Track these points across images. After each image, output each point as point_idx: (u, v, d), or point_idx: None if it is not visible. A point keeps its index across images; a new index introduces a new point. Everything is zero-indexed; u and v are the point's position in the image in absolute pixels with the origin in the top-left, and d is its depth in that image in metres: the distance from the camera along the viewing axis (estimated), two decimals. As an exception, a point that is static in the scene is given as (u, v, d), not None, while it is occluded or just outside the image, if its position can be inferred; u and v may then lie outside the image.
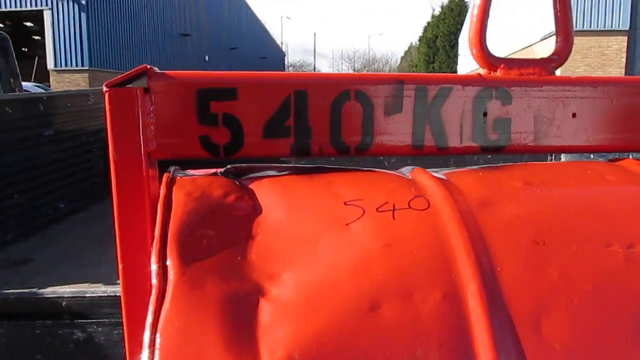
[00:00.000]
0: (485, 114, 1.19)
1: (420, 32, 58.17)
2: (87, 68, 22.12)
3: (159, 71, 1.06)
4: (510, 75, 1.21)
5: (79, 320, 2.04)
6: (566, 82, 1.22)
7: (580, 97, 1.22)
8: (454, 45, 47.03)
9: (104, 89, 1.01)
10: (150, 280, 0.84)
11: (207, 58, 34.00)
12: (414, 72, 50.13)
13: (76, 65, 22.22)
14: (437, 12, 52.22)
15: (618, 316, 0.87)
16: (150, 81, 1.04)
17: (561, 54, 1.25)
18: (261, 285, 0.86)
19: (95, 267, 2.33)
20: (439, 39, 50.37)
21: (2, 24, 24.18)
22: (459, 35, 43.59)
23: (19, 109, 2.97)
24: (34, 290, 2.12)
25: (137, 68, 1.03)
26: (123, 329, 1.04)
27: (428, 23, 54.51)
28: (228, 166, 1.12)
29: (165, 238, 0.88)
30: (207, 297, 0.82)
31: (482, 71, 1.24)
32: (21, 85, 5.21)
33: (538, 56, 1.27)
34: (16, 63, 5.07)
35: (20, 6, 22.20)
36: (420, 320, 0.83)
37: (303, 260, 0.89)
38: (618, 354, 0.85)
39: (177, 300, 0.81)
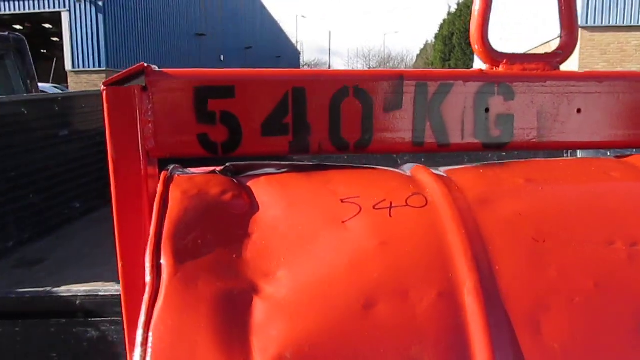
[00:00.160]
0: (487, 110, 1.17)
1: (436, 30, 57.90)
2: (104, 69, 22.37)
3: (157, 69, 1.06)
4: (513, 71, 1.19)
5: (93, 319, 2.06)
6: (571, 77, 1.20)
7: (585, 92, 1.20)
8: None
9: (102, 87, 1.01)
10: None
11: (222, 58, 34.16)
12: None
13: (93, 66, 22.48)
14: (453, 9, 51.84)
15: (619, 315, 0.85)
16: (148, 79, 1.04)
17: (566, 49, 1.22)
18: (256, 283, 0.85)
19: (108, 266, 2.35)
20: (455, 36, 49.94)
21: (22, 26, 24.59)
22: (475, 32, 43.01)
23: (34, 109, 3.01)
24: (49, 289, 2.15)
25: (135, 66, 1.03)
26: (123, 327, 1.04)
27: (444, 20, 54.09)
28: (227, 164, 1.12)
29: (160, 236, 0.88)
30: (201, 296, 0.82)
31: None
32: (37, 86, 5.28)
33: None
34: (32, 64, 5.15)
35: (39, 8, 22.52)
36: (416, 319, 0.82)
37: (298, 259, 0.88)
38: (619, 353, 0.83)
39: (170, 298, 0.81)
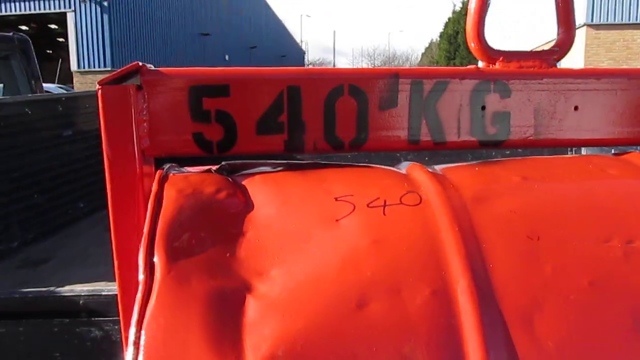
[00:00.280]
0: (483, 108, 1.17)
1: (441, 28, 57.69)
2: (109, 69, 22.39)
3: (152, 68, 1.06)
4: (510, 68, 1.18)
5: (96, 318, 2.07)
6: (568, 74, 1.19)
7: (582, 89, 1.19)
8: (475, 40, 46.30)
9: (97, 86, 1.02)
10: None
11: (227, 57, 34.20)
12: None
13: (99, 67, 22.54)
14: (458, 8, 51.66)
15: (614, 313, 0.84)
16: (143, 78, 1.04)
17: (562, 46, 1.22)
18: (249, 282, 0.85)
19: (112, 265, 2.36)
20: (460, 34, 49.74)
21: (28, 27, 24.69)
22: (480, 30, 42.91)
23: (38, 110, 3.02)
24: (52, 289, 2.15)
25: (130, 65, 1.03)
26: (120, 325, 1.05)
27: (449, 19, 53.89)
28: (222, 163, 1.12)
29: (154, 235, 0.88)
30: (194, 294, 0.82)
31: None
32: (42, 86, 5.31)
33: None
34: (37, 65, 5.17)
35: (45, 9, 22.62)
36: (409, 318, 0.81)
37: (292, 257, 0.88)
38: (614, 352, 0.82)
39: (163, 297, 0.81)
